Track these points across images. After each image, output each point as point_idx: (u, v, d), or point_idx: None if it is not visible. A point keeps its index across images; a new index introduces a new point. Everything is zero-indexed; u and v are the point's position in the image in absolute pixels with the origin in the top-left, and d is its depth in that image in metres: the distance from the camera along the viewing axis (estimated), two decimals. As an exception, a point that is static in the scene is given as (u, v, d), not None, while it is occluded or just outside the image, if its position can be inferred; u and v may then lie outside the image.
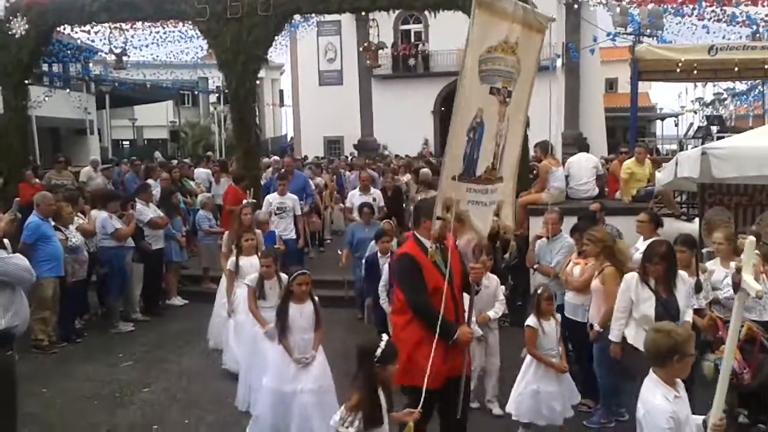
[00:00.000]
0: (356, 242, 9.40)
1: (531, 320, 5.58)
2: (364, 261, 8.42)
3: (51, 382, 7.36)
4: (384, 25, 20.65)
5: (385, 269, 7.46)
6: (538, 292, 5.69)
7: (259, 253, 7.35)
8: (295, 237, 10.42)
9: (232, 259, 7.34)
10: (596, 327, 5.93)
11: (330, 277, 10.28)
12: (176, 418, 6.45)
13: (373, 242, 8.33)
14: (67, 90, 26.81)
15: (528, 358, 5.65)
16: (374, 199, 10.56)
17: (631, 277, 5.34)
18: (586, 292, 6.24)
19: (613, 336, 5.45)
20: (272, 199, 10.41)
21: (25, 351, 8.03)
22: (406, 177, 15.15)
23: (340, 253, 9.87)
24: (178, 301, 10.61)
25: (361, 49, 18.55)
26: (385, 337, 4.12)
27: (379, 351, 3.95)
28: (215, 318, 8.10)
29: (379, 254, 7.99)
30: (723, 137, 12.24)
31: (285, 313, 5.56)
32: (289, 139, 45.56)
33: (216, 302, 8.06)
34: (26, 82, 13.36)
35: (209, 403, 6.77)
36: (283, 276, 6.12)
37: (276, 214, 10.09)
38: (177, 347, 8.58)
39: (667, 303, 5.17)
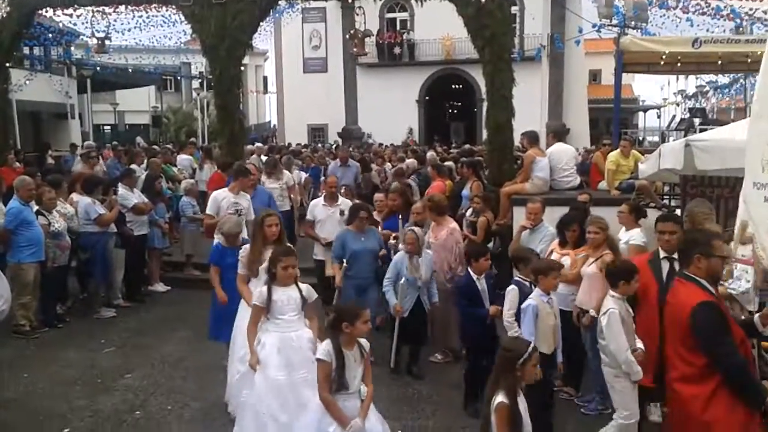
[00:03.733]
0: (350, 256, 7.21)
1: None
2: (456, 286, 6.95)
3: (32, 367, 7.31)
4: (369, 13, 20.53)
5: (391, 263, 7.03)
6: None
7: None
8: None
9: (262, 290, 5.08)
10: (591, 312, 5.97)
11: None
12: (159, 404, 6.43)
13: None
14: (49, 74, 26.48)
15: None
16: (342, 212, 8.24)
17: None
18: (577, 282, 6.31)
19: None
20: (221, 196, 8.31)
21: (6, 336, 8.00)
22: (388, 166, 15.18)
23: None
24: (160, 287, 10.56)
25: (347, 36, 18.42)
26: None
27: (526, 355, 3.76)
28: (233, 375, 5.86)
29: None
30: (705, 129, 12.33)
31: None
32: (272, 126, 45.38)
33: (231, 352, 5.92)
34: (7, 65, 13.19)
35: (192, 390, 6.76)
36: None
37: None
38: (159, 334, 8.54)
39: None
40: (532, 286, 5.58)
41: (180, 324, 8.83)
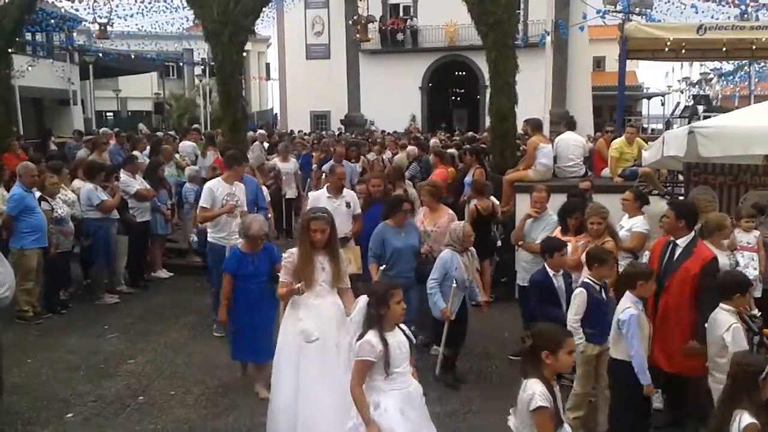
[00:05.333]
0: (391, 254, 6.65)
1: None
2: (528, 283, 6.40)
3: (36, 353, 7.34)
4: (372, -1, 20.54)
5: (438, 261, 6.44)
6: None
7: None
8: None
9: (372, 340, 3.99)
10: None
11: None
12: (162, 389, 6.46)
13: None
14: (51, 60, 26.41)
15: None
16: (348, 205, 7.83)
17: None
18: (579, 268, 6.30)
19: None
20: (216, 187, 7.59)
21: (9, 322, 8.02)
22: (387, 154, 15.08)
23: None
24: (163, 273, 10.58)
25: (350, 22, 18.38)
26: None
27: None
28: (279, 411, 4.90)
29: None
30: (709, 117, 12.30)
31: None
32: (273, 113, 45.32)
33: (276, 382, 4.99)
34: (9, 50, 13.15)
35: (195, 375, 6.78)
36: None
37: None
38: (162, 320, 8.56)
39: None
40: (603, 290, 5.32)
41: (183, 310, 8.85)
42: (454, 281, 6.22)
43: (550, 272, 5.85)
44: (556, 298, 5.79)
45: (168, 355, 7.36)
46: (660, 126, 37.41)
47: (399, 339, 4.05)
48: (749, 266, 5.95)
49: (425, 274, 6.49)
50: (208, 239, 7.73)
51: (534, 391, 3.49)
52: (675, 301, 5.29)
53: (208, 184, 7.72)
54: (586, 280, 5.40)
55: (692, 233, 5.45)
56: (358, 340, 4.00)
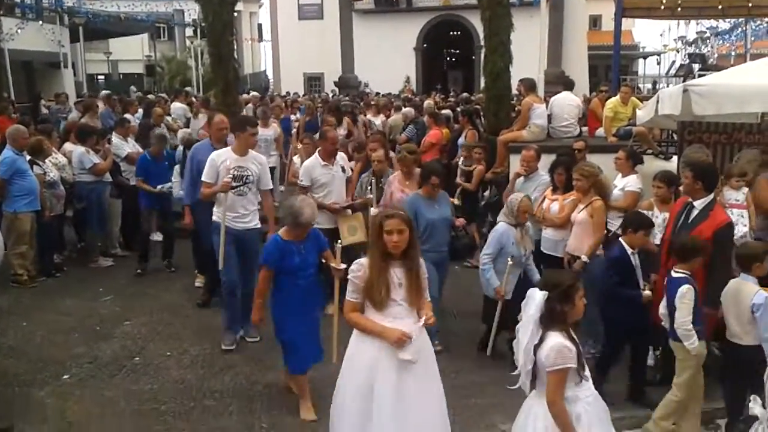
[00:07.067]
0: (426, 227, 6.13)
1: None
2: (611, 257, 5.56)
3: (31, 316, 7.36)
4: (365, -43, 20.22)
5: (493, 234, 6.05)
6: None
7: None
8: (258, 226, 6.57)
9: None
10: (583, 257, 6.02)
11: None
12: (158, 350, 6.50)
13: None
14: (40, 22, 26.01)
15: None
16: (343, 169, 7.46)
17: None
18: (566, 227, 6.33)
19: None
20: (221, 158, 6.32)
21: (4, 286, 8.04)
22: (381, 118, 14.84)
23: None
24: (157, 236, 10.56)
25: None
26: None
27: None
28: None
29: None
30: (705, 75, 12.21)
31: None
32: (267, 76, 44.92)
33: (340, 408, 4.06)
34: (-2, 12, 12.95)
35: (191, 336, 6.82)
36: None
37: (232, 188, 6.22)
38: (157, 282, 8.58)
39: None
40: (684, 281, 4.74)
41: (177, 272, 8.88)
42: (510, 257, 5.81)
43: (628, 250, 5.32)
44: (635, 278, 5.36)
45: (163, 317, 7.39)
46: (648, 86, 37.11)
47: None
48: (739, 223, 5.98)
49: (458, 250, 6.16)
50: (213, 217, 6.49)
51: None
52: None
53: (212, 154, 6.42)
54: (683, 274, 4.75)
55: (711, 196, 5.31)
56: (538, 344, 3.47)
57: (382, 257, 3.90)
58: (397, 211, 4.01)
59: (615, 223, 6.72)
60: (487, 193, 9.46)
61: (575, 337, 3.50)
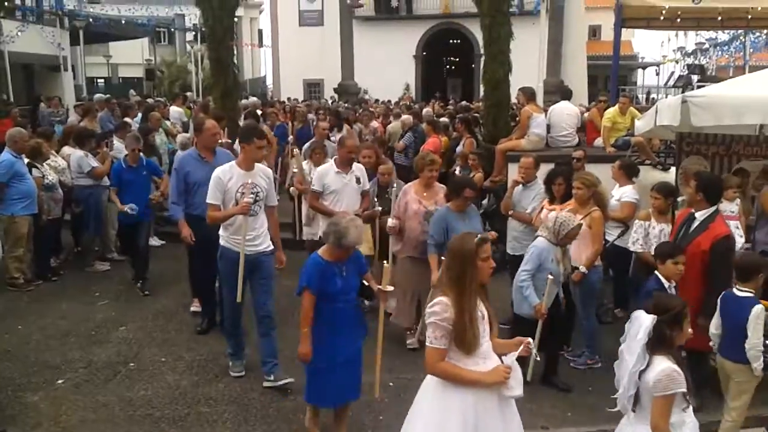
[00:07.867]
0: None
1: None
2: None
3: (27, 320, 7.35)
4: (366, -36, 20.27)
5: (532, 250, 5.66)
6: None
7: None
8: (271, 249, 5.86)
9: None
10: (581, 269, 6.01)
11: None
12: (153, 356, 6.48)
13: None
14: (41, 25, 26.04)
15: None
16: (358, 180, 7.04)
17: None
18: None
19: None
20: (227, 176, 5.63)
21: (0, 289, 8.02)
22: (374, 124, 14.89)
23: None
24: (154, 241, 10.55)
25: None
26: None
27: None
28: None
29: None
30: (704, 86, 12.23)
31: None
32: (265, 81, 44.94)
33: None
34: (-2, 15, 12.97)
35: (186, 342, 6.80)
36: None
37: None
38: (153, 287, 8.54)
39: None
40: (755, 301, 4.64)
41: (174, 278, 8.84)
42: (549, 274, 5.46)
43: (665, 282, 4.96)
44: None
45: (159, 323, 7.37)
46: (652, 96, 37.22)
47: None
48: (735, 234, 5.99)
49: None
50: (220, 242, 5.81)
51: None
52: (684, 274, 5.13)
53: (217, 170, 5.70)
54: (748, 293, 4.66)
55: (713, 208, 5.33)
56: (644, 369, 3.36)
57: (473, 289, 3.37)
58: (483, 233, 3.61)
59: (612, 234, 6.73)
60: (485, 202, 9.47)
61: (680, 360, 3.44)
